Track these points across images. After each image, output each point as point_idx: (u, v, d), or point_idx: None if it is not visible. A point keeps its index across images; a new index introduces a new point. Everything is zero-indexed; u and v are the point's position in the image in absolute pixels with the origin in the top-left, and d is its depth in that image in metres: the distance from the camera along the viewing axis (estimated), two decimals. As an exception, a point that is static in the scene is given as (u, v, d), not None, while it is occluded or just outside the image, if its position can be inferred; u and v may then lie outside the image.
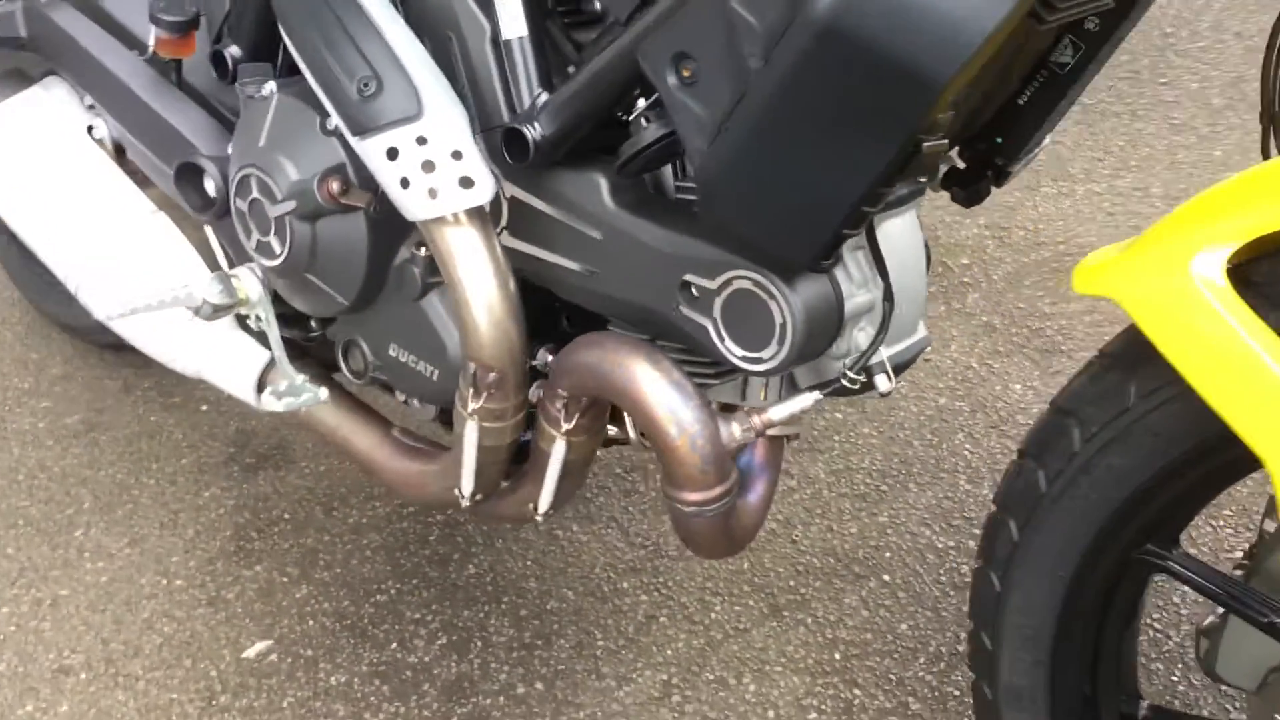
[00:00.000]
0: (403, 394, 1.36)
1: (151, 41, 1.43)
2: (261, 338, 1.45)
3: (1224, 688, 1.41)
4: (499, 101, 1.14)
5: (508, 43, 1.11)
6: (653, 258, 1.08)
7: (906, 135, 0.86)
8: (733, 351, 1.06)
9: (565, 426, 1.15)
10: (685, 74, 0.97)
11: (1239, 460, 0.93)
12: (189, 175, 1.40)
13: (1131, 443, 0.96)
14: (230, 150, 1.34)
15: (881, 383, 1.10)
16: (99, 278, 1.49)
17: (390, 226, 1.24)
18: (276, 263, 1.28)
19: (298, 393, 1.33)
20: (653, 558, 1.71)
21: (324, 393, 1.34)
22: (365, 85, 1.11)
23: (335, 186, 1.20)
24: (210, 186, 1.40)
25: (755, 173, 0.92)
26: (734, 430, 1.07)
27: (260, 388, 1.49)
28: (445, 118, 1.10)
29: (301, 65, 1.18)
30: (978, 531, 1.72)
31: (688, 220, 1.08)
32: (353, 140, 1.12)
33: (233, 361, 1.49)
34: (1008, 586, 1.08)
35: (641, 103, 1.07)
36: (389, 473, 1.37)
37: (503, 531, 1.76)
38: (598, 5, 1.13)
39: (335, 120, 1.14)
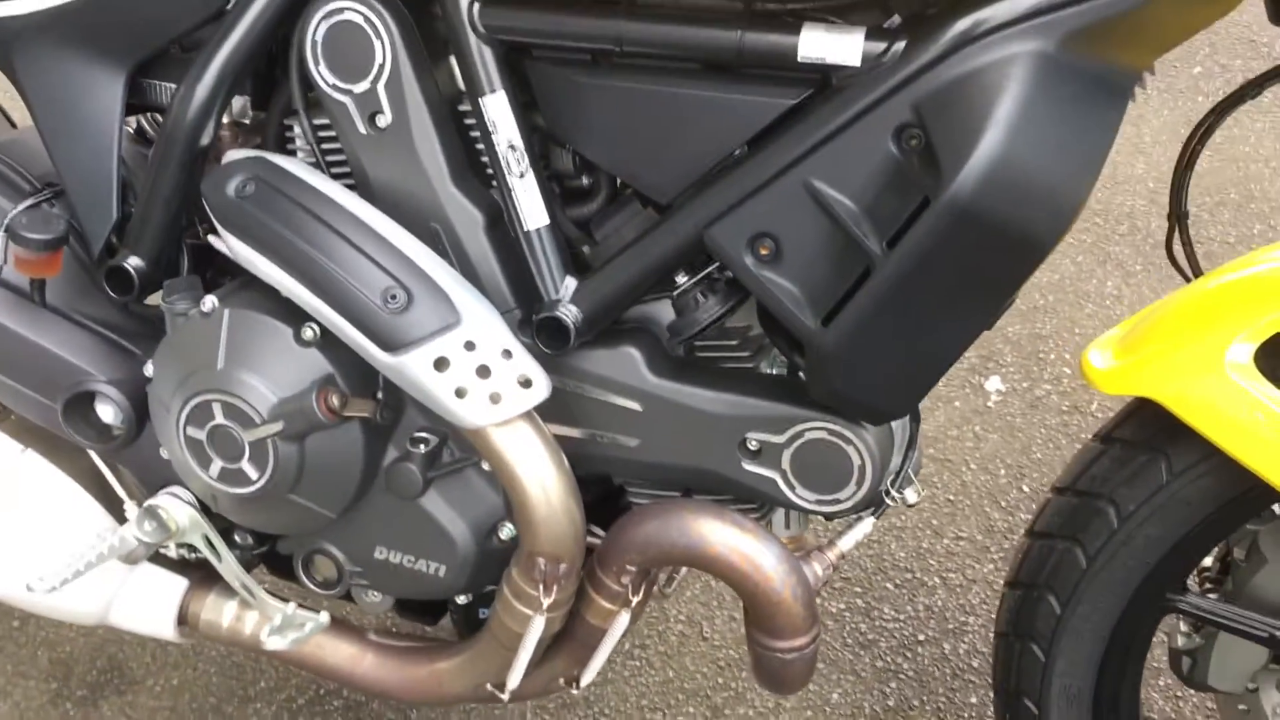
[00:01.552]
0: (382, 594, 1.27)
1: (6, 261, 1.24)
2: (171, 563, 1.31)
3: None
4: (522, 292, 1.12)
5: (529, 233, 1.09)
6: (705, 422, 1.10)
7: (1015, 290, 0.95)
8: (804, 498, 1.10)
9: (635, 599, 1.14)
10: (763, 252, 1.00)
11: (1251, 508, 1.11)
12: (79, 406, 1.24)
13: (1167, 514, 1.11)
14: (151, 374, 1.19)
15: (910, 495, 1.18)
16: (-29, 541, 1.26)
17: (380, 428, 1.17)
18: (251, 489, 1.16)
19: (298, 623, 1.21)
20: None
21: (325, 616, 1.23)
22: (393, 298, 1.04)
23: (335, 400, 1.11)
24: (109, 414, 1.24)
25: (877, 342, 0.97)
26: (817, 571, 1.12)
27: (182, 619, 1.33)
28: (484, 318, 1.06)
29: (281, 280, 1.08)
30: (859, 590, 1.87)
31: (741, 380, 1.12)
32: (383, 356, 1.05)
33: (145, 598, 1.32)
34: (1053, 654, 1.20)
35: (683, 278, 1.09)
36: (384, 682, 1.27)
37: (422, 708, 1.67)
38: (586, 183, 1.14)
39: (356, 339, 1.06)
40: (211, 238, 1.21)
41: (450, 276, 1.08)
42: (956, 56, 0.91)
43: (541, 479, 1.07)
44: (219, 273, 1.26)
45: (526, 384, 1.05)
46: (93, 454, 1.28)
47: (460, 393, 1.04)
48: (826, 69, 0.96)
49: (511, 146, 1.06)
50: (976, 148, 0.89)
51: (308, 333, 1.12)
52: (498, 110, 1.06)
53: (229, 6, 1.15)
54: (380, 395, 1.15)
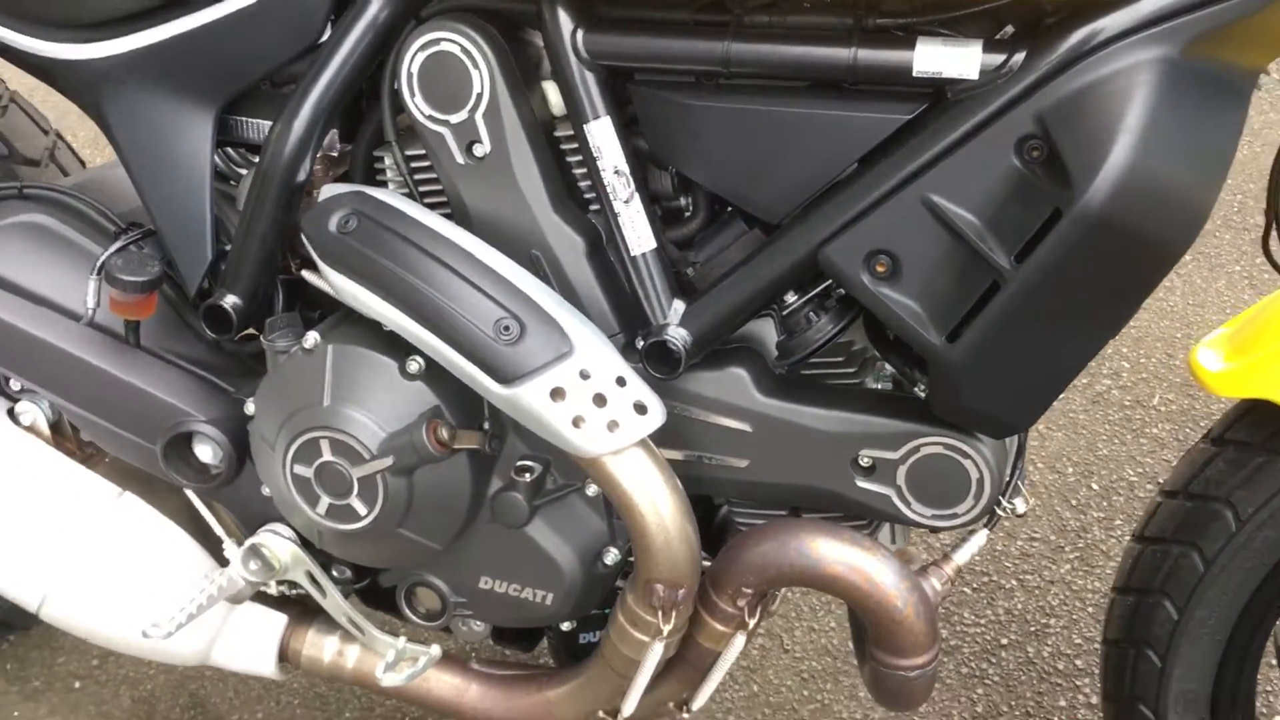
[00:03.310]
0: (485, 623, 1.27)
1: (92, 303, 1.24)
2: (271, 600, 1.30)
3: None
4: (626, 317, 1.11)
5: (636, 259, 1.08)
6: (817, 440, 1.10)
7: (1145, 297, 0.94)
8: (919, 514, 1.09)
9: (751, 622, 1.13)
10: (880, 269, 1.00)
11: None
12: (178, 446, 1.23)
13: (1286, 514, 1.10)
14: (253, 412, 1.19)
15: (1020, 504, 1.17)
16: (73, 585, 1.26)
17: (486, 458, 1.16)
18: (359, 525, 1.15)
19: (411, 658, 1.21)
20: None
21: (436, 649, 1.22)
22: (506, 330, 1.04)
23: (444, 433, 1.10)
24: (208, 454, 1.24)
25: (1006, 356, 0.96)
26: (936, 586, 1.11)
27: (282, 655, 1.33)
28: (597, 345, 1.05)
29: (388, 314, 1.08)
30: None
31: (851, 397, 1.11)
32: (497, 388, 1.04)
33: (246, 636, 1.31)
34: (1170, 660, 1.19)
35: (792, 297, 1.08)
36: (491, 712, 1.26)
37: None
38: (684, 203, 1.13)
39: (469, 372, 1.05)
40: (306, 272, 1.21)
41: (560, 304, 1.07)
42: (1079, 66, 0.90)
43: (658, 505, 1.07)
44: (308, 305, 1.25)
45: (642, 410, 1.05)
46: (190, 493, 1.28)
47: (577, 422, 1.03)
48: (941, 82, 0.96)
49: (617, 172, 1.06)
50: (1108, 157, 0.88)
51: (413, 365, 1.12)
52: (603, 136, 1.05)
53: (321, 41, 1.15)
54: (487, 425, 1.14)
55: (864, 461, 1.09)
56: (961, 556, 1.14)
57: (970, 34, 0.97)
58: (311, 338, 1.14)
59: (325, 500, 1.16)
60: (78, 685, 1.77)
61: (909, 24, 0.97)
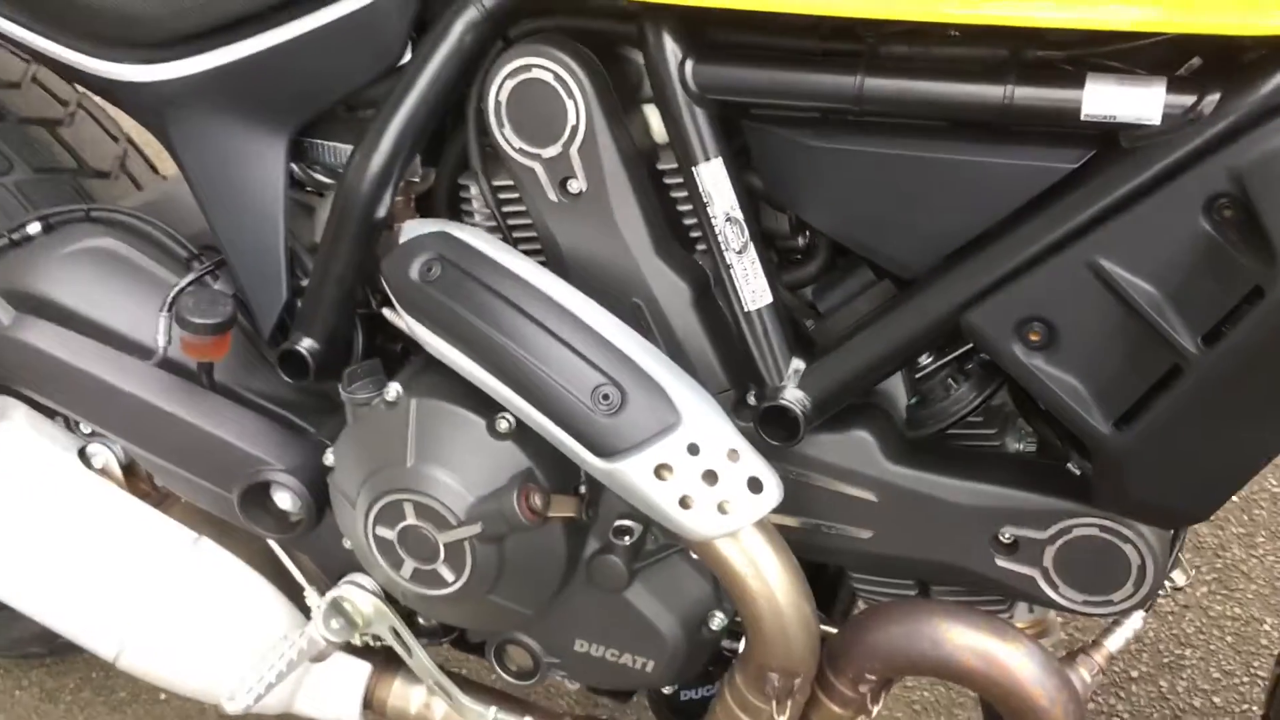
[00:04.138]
0: (582, 683, 1.18)
1: (163, 341, 1.16)
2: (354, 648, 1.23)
3: None
4: (735, 370, 1.00)
5: (751, 314, 0.96)
6: (952, 514, 0.98)
7: None
8: (1069, 598, 0.98)
9: (875, 708, 1.03)
10: (1033, 338, 0.87)
11: None
12: (256, 494, 1.16)
13: None
14: (333, 464, 1.11)
15: (1179, 577, 1.05)
16: (151, 635, 1.20)
17: (579, 525, 1.06)
18: (447, 591, 1.07)
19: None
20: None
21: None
22: (605, 398, 0.93)
23: (538, 500, 1.01)
24: (287, 502, 1.16)
25: (1185, 448, 0.84)
26: (1085, 678, 0.99)
27: (367, 703, 1.26)
28: (706, 415, 0.94)
29: (475, 373, 0.98)
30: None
31: (993, 466, 0.99)
32: (595, 461, 0.94)
33: (330, 685, 1.25)
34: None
35: (927, 359, 0.96)
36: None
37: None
38: (801, 244, 1.01)
39: (564, 441, 0.95)
40: (386, 311, 1.11)
41: (664, 367, 0.96)
42: (1287, 116, 0.76)
43: (774, 590, 0.96)
44: (388, 339, 1.16)
45: (756, 487, 0.94)
46: (270, 540, 1.21)
47: (685, 502, 0.93)
48: (1114, 127, 0.82)
49: (730, 219, 0.94)
50: (1322, 229, 0.74)
51: (502, 424, 1.02)
52: (714, 179, 0.93)
53: (401, 64, 1.04)
54: (583, 489, 1.04)
55: (1005, 538, 0.97)
56: (1114, 643, 1.02)
57: (1147, 67, 0.83)
58: (394, 390, 1.05)
59: (410, 564, 1.07)
60: (163, 698, 1.73)
61: (1076, 56, 0.83)
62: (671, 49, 0.91)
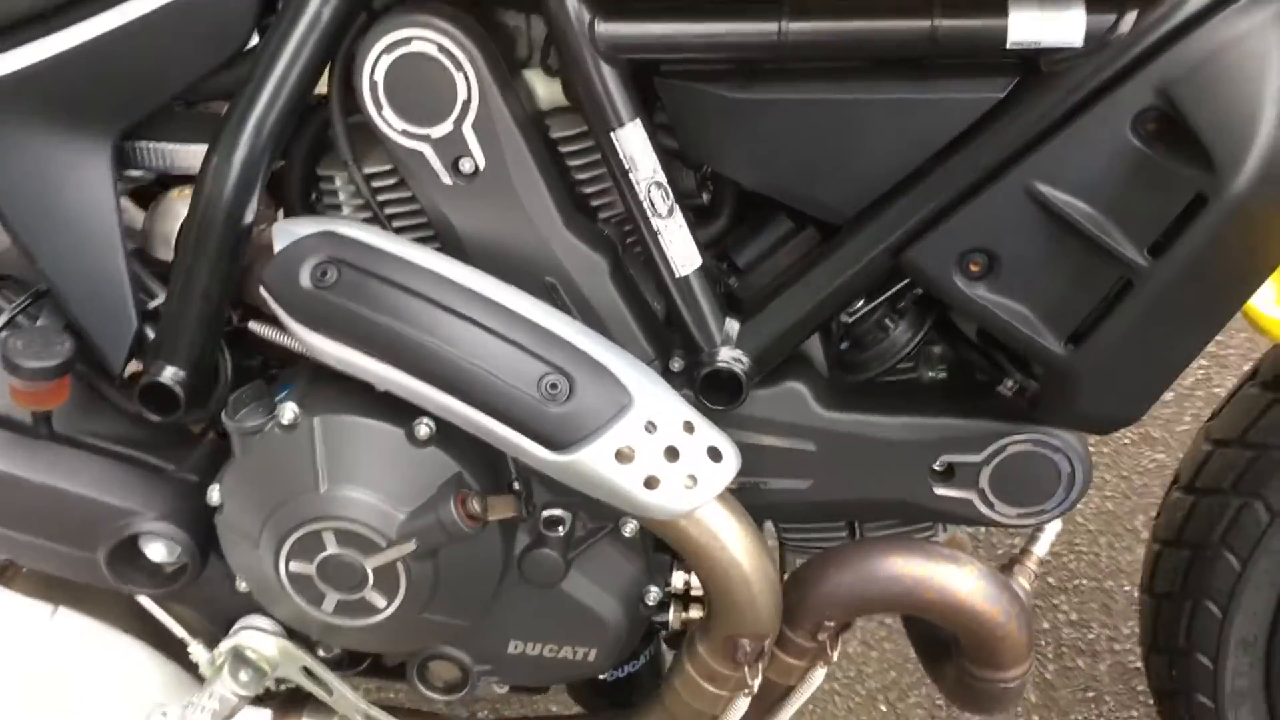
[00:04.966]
0: (517, 684, 1.13)
1: (-14, 394, 1.00)
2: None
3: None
4: (658, 339, 0.96)
5: (681, 279, 0.93)
6: (890, 451, 0.99)
7: (1270, 274, 0.86)
8: (1004, 514, 1.01)
9: (833, 654, 1.03)
10: (974, 269, 0.88)
11: None
12: (124, 550, 1.02)
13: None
14: (219, 502, 0.99)
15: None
16: (19, 729, 1.05)
17: (510, 523, 1.00)
18: (378, 618, 0.99)
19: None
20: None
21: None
22: (553, 388, 0.87)
23: (475, 505, 0.94)
24: (160, 552, 1.04)
25: (1135, 356, 0.87)
26: (1025, 585, 1.03)
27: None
28: (655, 390, 0.90)
29: (397, 381, 0.90)
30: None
31: (923, 400, 1.00)
32: (549, 456, 0.88)
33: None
34: (1232, 610, 1.16)
35: (858, 303, 0.96)
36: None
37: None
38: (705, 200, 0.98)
39: (511, 440, 0.89)
40: (253, 325, 1.01)
41: (602, 346, 0.91)
42: (1204, 28, 0.79)
43: (742, 559, 0.94)
44: (243, 356, 1.05)
45: (716, 456, 0.91)
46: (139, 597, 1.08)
47: (651, 483, 0.89)
48: (1036, 53, 0.83)
49: (656, 183, 0.90)
50: (1256, 135, 0.78)
51: (422, 430, 0.95)
52: (635, 144, 0.89)
53: (247, 49, 0.93)
54: (517, 485, 0.98)
55: (940, 467, 0.99)
56: (1041, 549, 1.06)
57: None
58: (289, 411, 0.95)
59: (333, 597, 0.98)
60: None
61: (992, -14, 0.83)
62: (576, 8, 0.86)
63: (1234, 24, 0.79)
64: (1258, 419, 1.11)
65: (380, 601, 0.98)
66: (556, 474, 0.90)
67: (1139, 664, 1.68)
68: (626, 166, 0.89)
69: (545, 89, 0.96)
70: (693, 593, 1.09)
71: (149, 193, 1.05)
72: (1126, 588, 1.80)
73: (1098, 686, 1.66)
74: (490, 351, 0.88)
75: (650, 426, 0.89)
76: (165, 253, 1.01)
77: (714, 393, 0.94)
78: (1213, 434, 1.15)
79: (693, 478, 0.89)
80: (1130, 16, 0.81)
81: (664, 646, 1.24)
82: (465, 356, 0.88)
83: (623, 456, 0.88)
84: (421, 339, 0.88)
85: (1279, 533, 1.12)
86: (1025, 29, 0.82)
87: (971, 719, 1.49)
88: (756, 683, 0.99)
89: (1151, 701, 1.60)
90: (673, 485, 0.89)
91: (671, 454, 0.89)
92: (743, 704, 1.01)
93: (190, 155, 0.99)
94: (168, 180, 1.04)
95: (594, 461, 0.88)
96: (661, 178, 0.90)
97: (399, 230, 0.98)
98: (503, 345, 0.88)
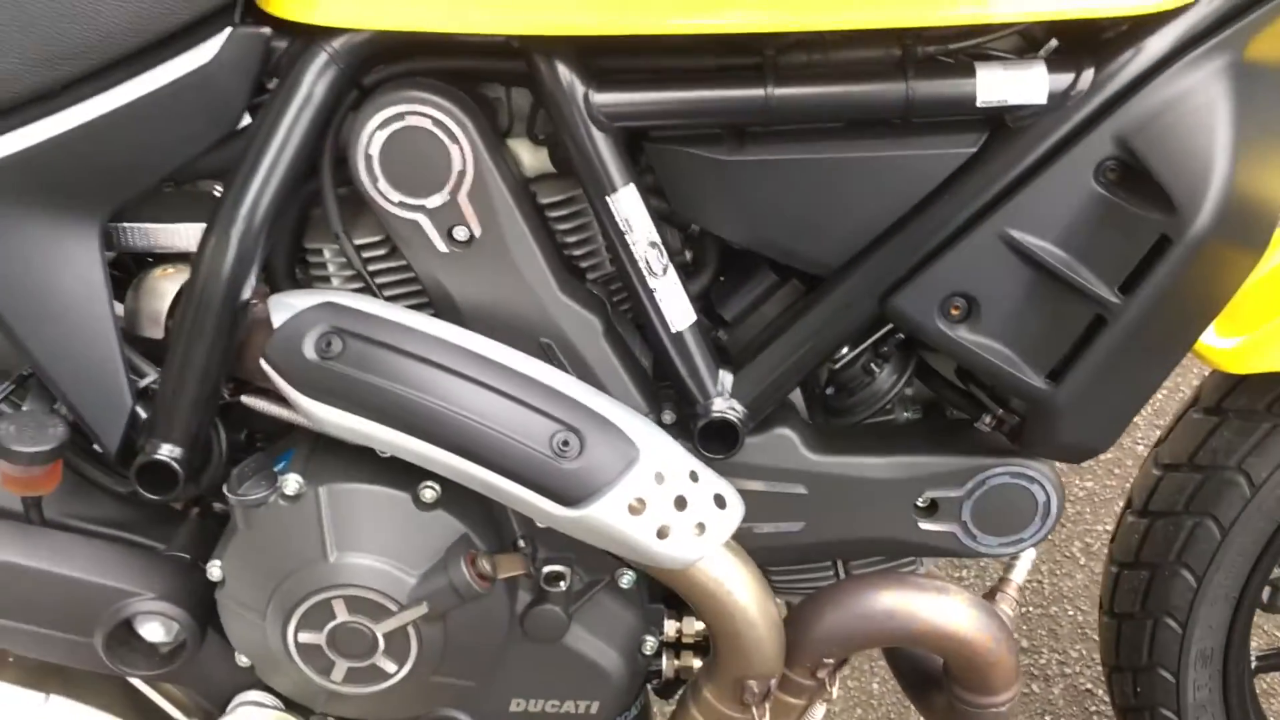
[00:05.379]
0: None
1: (-33, 483, 0.99)
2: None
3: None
4: (651, 395, 1.00)
5: (678, 335, 0.96)
6: (877, 490, 1.03)
7: (1229, 300, 0.93)
8: (987, 545, 1.06)
9: (832, 691, 1.06)
10: (954, 312, 0.93)
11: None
12: (120, 633, 1.02)
13: (1296, 473, 1.15)
14: (222, 577, 0.99)
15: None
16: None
17: (513, 581, 1.02)
18: (388, 684, 0.99)
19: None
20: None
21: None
22: (565, 444, 0.90)
23: (485, 565, 0.95)
24: (157, 633, 1.03)
25: (1112, 387, 0.92)
26: (1008, 612, 1.08)
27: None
28: (660, 442, 0.93)
29: (407, 447, 0.91)
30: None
31: (904, 439, 1.05)
32: (562, 512, 0.91)
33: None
34: (1190, 624, 1.22)
35: (843, 350, 1.01)
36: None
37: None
38: (689, 258, 1.03)
39: (523, 499, 0.91)
40: (247, 399, 1.01)
41: (606, 401, 0.94)
42: (1155, 83, 0.86)
43: (748, 601, 0.97)
44: (229, 429, 1.06)
45: (721, 503, 0.94)
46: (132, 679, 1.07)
47: (663, 533, 0.92)
48: (1002, 110, 0.90)
49: (652, 244, 0.93)
50: (1210, 178, 0.85)
51: (427, 494, 0.96)
52: (630, 206, 0.92)
53: (239, 128, 0.95)
54: (521, 543, 1.00)
55: (923, 503, 1.04)
56: (1018, 576, 1.11)
57: (1010, 53, 0.92)
58: (294, 482, 0.96)
59: (343, 666, 0.99)
60: None
61: (961, 49, 0.90)
62: (571, 80, 0.89)
63: (1183, 77, 0.86)
64: (1203, 442, 1.18)
65: (391, 666, 0.99)
66: (569, 529, 0.93)
67: (1089, 686, 1.76)
68: (622, 229, 0.93)
69: (531, 157, 1.00)
70: (684, 640, 1.12)
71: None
72: (1070, 612, 1.88)
73: (1053, 710, 1.72)
74: (501, 413, 0.90)
75: (659, 477, 0.92)
76: (151, 331, 1.01)
77: (712, 442, 0.97)
78: (1161, 459, 1.22)
79: (701, 525, 0.93)
80: (1088, 74, 0.88)
81: (652, 697, 1.26)
82: (477, 419, 0.90)
83: (635, 509, 0.91)
84: (433, 404, 0.90)
85: (1231, 548, 1.19)
86: (992, 89, 0.88)
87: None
88: (766, 716, 1.01)
89: (1105, 720, 1.69)
90: (683, 534, 0.92)
91: (680, 503, 0.92)
92: (749, 745, 1.04)
93: (173, 234, 1.00)
94: (138, 259, 1.05)
95: (607, 515, 0.90)
96: (656, 238, 0.93)
97: (391, 298, 1.00)
98: (513, 406, 0.90)
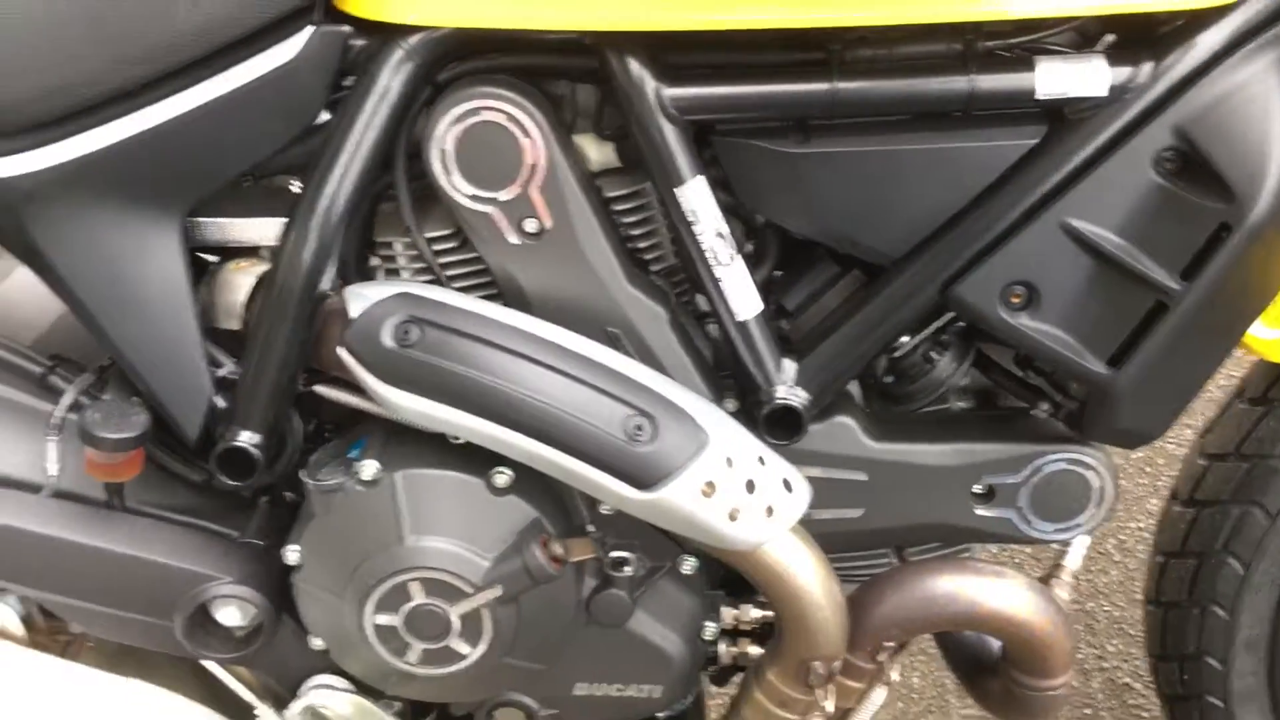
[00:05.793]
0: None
1: (55, 470, 1.02)
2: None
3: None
4: (715, 383, 1.02)
5: (743, 323, 0.99)
6: (935, 477, 1.05)
7: (1277, 291, 0.95)
8: (1042, 530, 1.08)
9: (894, 675, 1.08)
10: (1014, 300, 0.96)
11: None
12: (198, 616, 1.04)
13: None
14: (300, 561, 1.02)
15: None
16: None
17: (580, 566, 1.05)
18: (461, 665, 1.02)
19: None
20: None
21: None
22: (639, 429, 0.92)
23: (558, 548, 0.98)
24: (233, 616, 1.05)
25: (1171, 373, 0.95)
26: (1065, 597, 1.10)
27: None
28: (729, 427, 0.96)
29: (485, 432, 0.94)
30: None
31: (963, 427, 1.07)
32: (635, 495, 0.93)
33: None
34: (1237, 612, 1.24)
35: (903, 339, 1.03)
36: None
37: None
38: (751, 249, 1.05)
39: (597, 481, 0.93)
40: (320, 388, 1.04)
41: (676, 387, 0.97)
42: (1215, 74, 0.89)
43: (815, 582, 1.00)
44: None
45: (788, 487, 0.97)
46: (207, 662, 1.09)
47: (734, 515, 0.94)
48: (1062, 103, 0.92)
49: (719, 234, 0.96)
50: (1270, 166, 0.87)
51: (500, 479, 0.99)
52: (698, 198, 0.95)
53: (316, 124, 0.98)
54: (591, 528, 1.03)
55: (981, 489, 1.06)
56: (1073, 562, 1.13)
57: (1066, 47, 0.94)
58: (370, 468, 0.98)
59: (418, 647, 1.01)
60: None
61: (1021, 44, 0.92)
62: (643, 75, 0.92)
63: (1241, 69, 0.89)
64: (1250, 432, 1.20)
65: (465, 648, 1.01)
66: (640, 512, 0.95)
67: (1127, 680, 1.78)
68: (690, 220, 0.96)
69: (596, 152, 1.02)
70: (741, 627, 1.14)
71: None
72: (1106, 608, 1.89)
73: (1093, 704, 1.74)
74: (576, 398, 0.93)
75: (729, 461, 0.94)
76: (227, 322, 1.04)
77: (775, 429, 1.00)
78: (1208, 449, 1.24)
79: (770, 508, 0.95)
80: (1147, 66, 0.90)
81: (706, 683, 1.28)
82: (553, 404, 0.92)
83: (706, 491, 0.93)
84: (510, 390, 0.93)
85: (1277, 535, 1.20)
86: (1053, 82, 0.91)
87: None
88: (830, 703, 1.03)
89: (1144, 714, 1.70)
90: (753, 516, 0.94)
91: (750, 486, 0.95)
92: (816, 726, 1.06)
93: (249, 229, 1.03)
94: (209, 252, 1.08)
95: (680, 497, 0.93)
96: (724, 228, 0.96)
97: (460, 290, 1.02)
98: (587, 391, 0.93)
